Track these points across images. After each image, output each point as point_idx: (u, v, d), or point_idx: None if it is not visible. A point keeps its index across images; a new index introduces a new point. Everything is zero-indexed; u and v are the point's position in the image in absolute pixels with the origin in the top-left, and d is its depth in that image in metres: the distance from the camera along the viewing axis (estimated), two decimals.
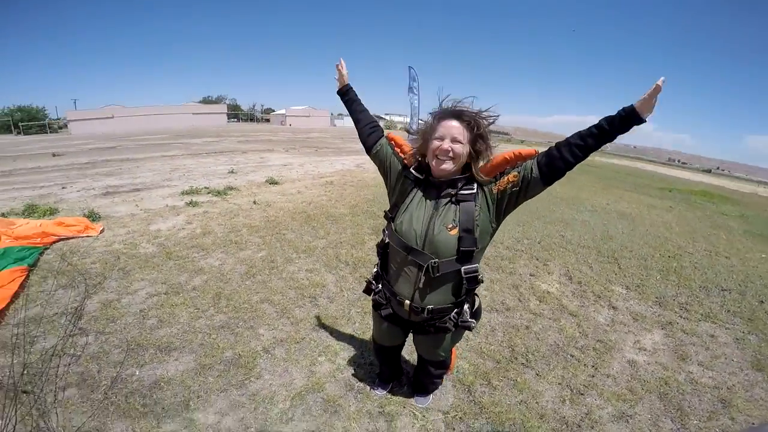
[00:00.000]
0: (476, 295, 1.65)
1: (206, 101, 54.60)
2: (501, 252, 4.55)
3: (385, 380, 2.17)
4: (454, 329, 1.61)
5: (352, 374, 2.26)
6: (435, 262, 1.42)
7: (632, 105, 1.24)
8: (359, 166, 11.09)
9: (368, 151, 1.68)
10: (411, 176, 1.54)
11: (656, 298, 3.74)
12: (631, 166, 31.02)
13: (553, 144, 1.39)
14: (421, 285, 1.49)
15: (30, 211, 4.96)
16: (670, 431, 2.11)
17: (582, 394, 2.31)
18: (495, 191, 1.42)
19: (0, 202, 5.68)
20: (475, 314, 1.64)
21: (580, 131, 1.34)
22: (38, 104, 36.90)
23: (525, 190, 1.39)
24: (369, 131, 1.69)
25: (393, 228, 1.52)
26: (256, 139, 19.81)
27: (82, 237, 4.13)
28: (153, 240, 4.14)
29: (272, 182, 7.69)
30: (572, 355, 2.66)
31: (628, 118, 1.25)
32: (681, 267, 4.81)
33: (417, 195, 1.51)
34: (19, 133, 29.99)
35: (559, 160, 1.33)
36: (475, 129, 1.39)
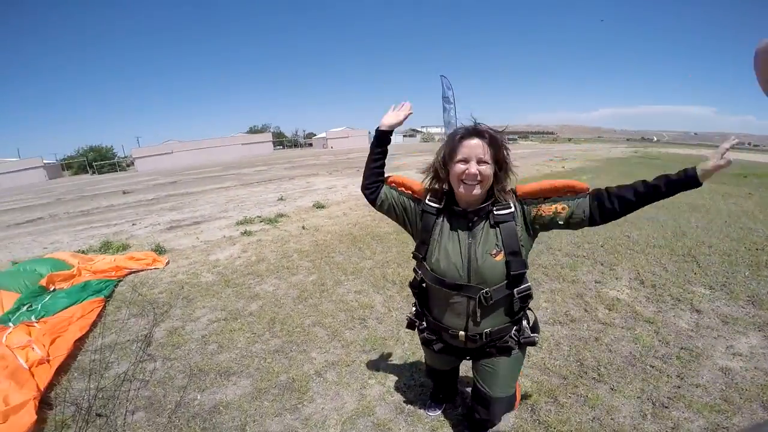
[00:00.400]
0: (530, 309, 1.56)
1: (253, 131, 57.94)
2: (560, 259, 4.26)
3: (439, 401, 2.07)
4: (517, 348, 1.51)
5: (402, 397, 2.18)
6: (488, 292, 1.35)
7: (695, 172, 1.19)
8: None
9: (373, 204, 1.57)
10: (429, 208, 1.43)
11: (748, 296, 3.30)
12: (696, 154, 28.29)
13: (603, 188, 1.33)
14: (473, 314, 1.41)
15: (106, 247, 5.49)
16: None
17: (666, 407, 2.04)
18: (534, 213, 1.36)
19: (81, 240, 6.37)
20: (534, 328, 1.55)
21: (635, 185, 1.28)
22: (107, 143, 41.48)
23: (568, 224, 1.35)
24: (372, 188, 1.55)
25: (428, 267, 1.42)
26: (301, 164, 20.64)
27: (151, 269, 4.47)
28: (213, 269, 4.36)
29: (319, 206, 7.90)
30: (652, 366, 2.38)
31: (688, 184, 1.21)
32: None
33: (444, 226, 1.41)
34: (94, 172, 33.83)
35: (611, 211, 1.30)
36: (498, 146, 1.31)
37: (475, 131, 1.30)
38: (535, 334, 1.52)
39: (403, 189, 1.54)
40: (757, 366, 2.39)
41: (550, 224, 1.36)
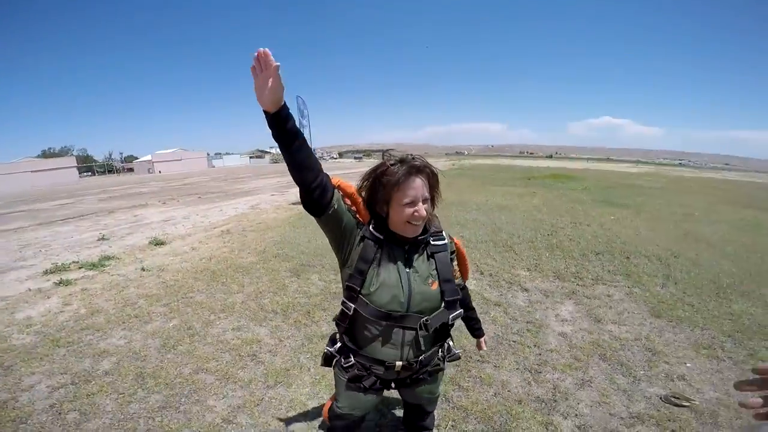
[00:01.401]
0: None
1: (48, 155, 46.27)
2: None
3: None
4: (444, 366, 1.58)
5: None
6: (427, 320, 1.35)
7: (479, 333, 1.83)
8: (254, 208, 10.61)
9: (321, 212, 1.23)
10: (372, 237, 1.32)
11: (553, 272, 4.40)
12: (495, 163, 35.72)
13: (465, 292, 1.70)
14: (411, 344, 1.39)
15: None
16: (628, 384, 2.47)
17: (540, 372, 2.59)
18: (453, 264, 1.49)
19: None
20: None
21: (469, 305, 1.76)
22: None
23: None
24: (320, 184, 1.20)
25: (366, 299, 1.32)
26: (123, 193, 17.49)
27: None
28: (26, 329, 3.38)
29: (157, 243, 6.77)
30: (514, 341, 2.98)
31: (474, 331, 1.83)
32: (560, 241, 5.73)
33: (383, 257, 1.33)
34: None
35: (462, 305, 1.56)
36: (436, 180, 1.33)
37: (417, 169, 1.27)
38: (459, 350, 1.64)
39: (349, 203, 1.35)
40: (581, 327, 3.22)
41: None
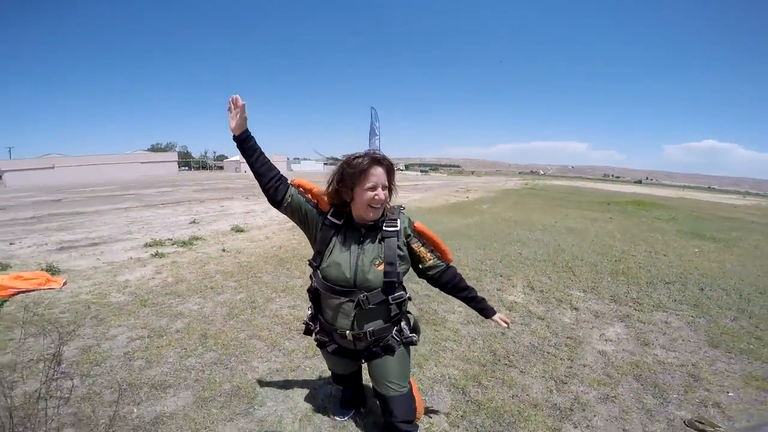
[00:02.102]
0: (410, 313, 1.77)
1: (155, 149, 53.01)
2: (467, 273, 4.87)
3: (348, 406, 2.18)
4: (401, 347, 1.69)
5: None
6: (365, 296, 1.52)
7: (489, 314, 1.78)
8: None
9: (278, 205, 1.60)
10: (330, 223, 1.57)
11: (610, 296, 4.17)
12: (573, 185, 33.59)
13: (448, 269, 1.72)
14: (357, 316, 1.56)
15: None
16: (655, 405, 2.37)
17: (565, 383, 2.56)
18: (413, 247, 1.63)
19: None
20: (414, 329, 1.75)
21: (467, 288, 1.75)
22: None
23: (423, 270, 1.70)
24: (276, 185, 1.57)
25: (320, 275, 1.57)
26: (213, 187, 19.54)
27: (44, 289, 3.97)
28: (123, 290, 4.04)
29: (238, 230, 7.64)
30: (548, 352, 2.94)
31: (483, 313, 1.79)
32: (627, 268, 5.37)
33: (339, 240, 1.56)
34: None
35: (444, 288, 1.73)
36: (393, 171, 1.55)
37: (378, 160, 1.49)
38: (414, 335, 1.71)
39: (309, 197, 1.62)
40: (624, 348, 3.08)
41: (416, 263, 1.67)
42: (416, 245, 1.64)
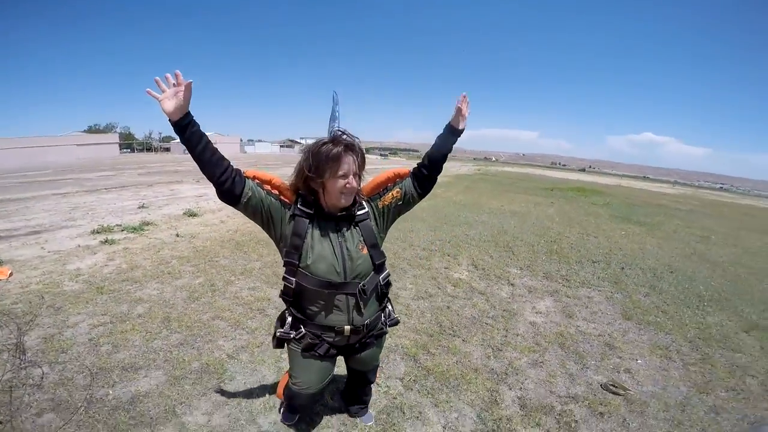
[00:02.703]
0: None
1: (93, 130, 49.06)
2: (419, 253, 5.28)
3: (294, 413, 2.08)
4: (387, 330, 1.74)
5: None
6: (364, 285, 1.50)
7: (449, 121, 1.58)
8: None
9: (235, 202, 1.40)
10: (302, 214, 1.47)
11: (543, 273, 4.71)
12: (522, 172, 35.43)
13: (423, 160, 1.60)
14: (354, 308, 1.52)
15: None
16: (577, 370, 2.78)
17: (500, 350, 2.96)
18: (381, 206, 1.56)
19: None
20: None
21: (429, 151, 1.60)
22: None
23: (407, 203, 1.59)
24: (231, 178, 1.36)
25: (306, 271, 1.46)
26: (160, 170, 18.63)
27: None
28: (76, 278, 3.98)
29: (191, 214, 7.53)
30: (486, 323, 3.36)
31: (450, 132, 1.59)
32: (560, 248, 6.00)
33: (316, 231, 1.47)
34: None
35: (427, 178, 1.58)
36: (364, 158, 1.47)
37: (350, 147, 1.42)
38: (396, 315, 1.77)
39: (269, 188, 1.48)
40: (552, 320, 3.55)
41: (395, 209, 1.58)
42: (381, 202, 1.57)
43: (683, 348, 3.20)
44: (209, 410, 2.15)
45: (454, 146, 1.62)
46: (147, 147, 49.73)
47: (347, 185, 1.41)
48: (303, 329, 1.57)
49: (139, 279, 3.98)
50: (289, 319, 1.60)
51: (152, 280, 3.96)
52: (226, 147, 43.61)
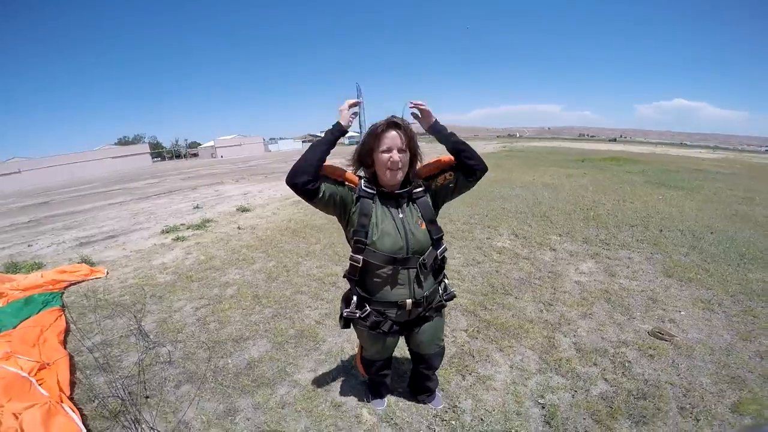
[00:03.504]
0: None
1: (123, 143, 51.49)
2: (460, 227, 5.68)
3: (381, 395, 2.20)
4: (446, 303, 1.81)
5: None
6: (424, 259, 1.58)
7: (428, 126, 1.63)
8: None
9: (313, 196, 1.50)
10: (367, 193, 1.56)
11: (583, 238, 4.97)
12: (550, 145, 34.75)
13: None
14: (415, 281, 1.61)
15: (13, 268, 5.04)
16: (624, 320, 3.04)
17: (551, 305, 3.29)
18: (434, 187, 1.65)
19: None
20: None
21: (453, 146, 1.62)
22: None
23: (458, 186, 1.65)
24: (314, 174, 1.49)
25: (372, 248, 1.54)
26: (197, 174, 19.63)
27: (91, 279, 4.42)
28: (164, 271, 4.57)
29: (244, 209, 8.16)
30: (535, 283, 3.69)
31: (432, 134, 1.63)
32: (597, 215, 6.21)
33: (379, 209, 1.56)
34: None
35: (461, 166, 1.62)
36: (410, 136, 1.54)
37: (393, 124, 1.50)
38: (453, 290, 1.84)
39: (336, 178, 1.57)
40: (595, 279, 3.82)
41: (447, 191, 1.65)
42: (435, 183, 1.65)
43: (725, 301, 3.35)
44: (313, 367, 2.55)
45: (453, 140, 1.62)
46: (176, 154, 51.78)
47: (391, 159, 1.49)
48: (368, 307, 1.65)
49: (220, 267, 4.53)
50: (355, 298, 1.67)
51: (231, 267, 4.50)
52: (250, 148, 44.70)
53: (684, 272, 3.96)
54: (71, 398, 2.30)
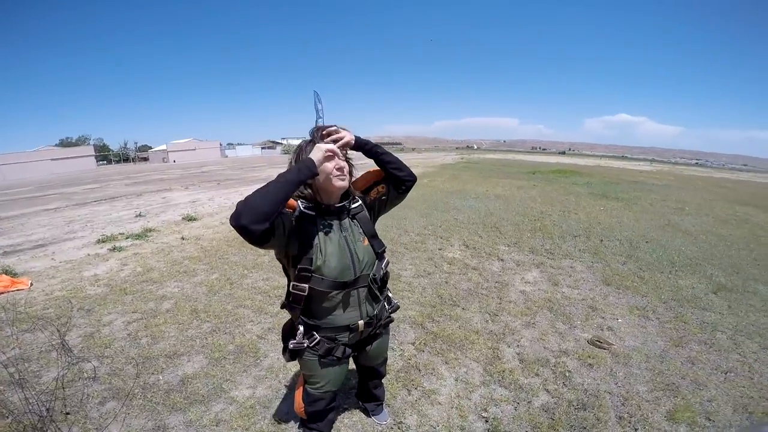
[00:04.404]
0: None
1: (66, 144, 47.98)
2: (414, 237, 5.72)
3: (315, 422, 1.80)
4: (392, 317, 1.78)
5: None
6: (374, 275, 1.53)
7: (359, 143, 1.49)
8: None
9: (266, 238, 1.22)
10: (307, 215, 1.41)
11: (529, 248, 5.14)
12: (504, 158, 36.27)
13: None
14: (365, 301, 1.54)
15: None
16: (565, 329, 3.15)
17: (497, 315, 3.35)
18: (368, 200, 1.58)
19: None
20: None
21: (381, 160, 1.55)
22: None
23: (391, 199, 1.60)
24: (271, 225, 1.21)
25: (318, 275, 1.39)
26: (146, 179, 18.56)
27: (12, 291, 4.03)
28: (96, 283, 4.22)
29: (190, 218, 7.74)
30: (482, 293, 3.75)
31: (357, 150, 1.50)
32: (544, 225, 6.47)
33: (321, 230, 1.42)
34: None
35: (390, 177, 1.56)
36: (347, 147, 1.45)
37: (329, 134, 1.41)
38: (396, 301, 1.77)
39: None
40: (540, 288, 3.95)
41: (381, 204, 1.60)
42: (369, 197, 1.60)
43: (658, 308, 3.58)
44: (252, 384, 2.45)
45: (379, 153, 1.54)
46: (124, 158, 48.81)
47: (337, 165, 1.39)
48: (317, 335, 1.52)
49: (158, 279, 4.25)
50: (301, 328, 1.52)
51: (170, 279, 4.23)
52: (206, 153, 43.06)
53: (621, 280, 4.19)
54: None
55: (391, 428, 2.08)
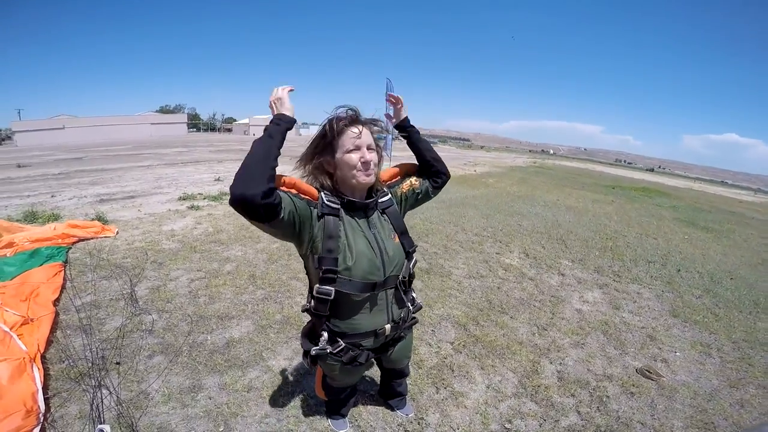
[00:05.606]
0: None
1: (164, 111, 53.24)
2: (471, 237, 5.55)
3: (342, 415, 1.99)
4: (417, 318, 1.69)
5: None
6: (404, 277, 1.43)
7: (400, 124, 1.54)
8: None
9: (273, 215, 1.11)
10: (331, 209, 1.27)
11: (595, 268, 4.77)
12: (582, 167, 33.85)
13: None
14: (393, 303, 1.45)
15: (31, 217, 5.18)
16: (615, 354, 2.92)
17: (546, 329, 3.16)
18: (399, 193, 1.49)
19: None
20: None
21: (418, 155, 1.55)
22: None
23: (425, 194, 1.54)
24: (271, 185, 1.09)
25: (347, 276, 1.28)
26: (227, 148, 20.04)
27: (100, 238, 4.49)
28: (171, 238, 4.63)
29: None
30: (534, 305, 3.56)
31: (401, 130, 1.54)
32: (616, 246, 5.95)
33: (347, 226, 1.30)
34: None
35: (426, 172, 1.54)
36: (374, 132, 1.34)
37: (358, 119, 1.29)
38: (419, 301, 1.66)
39: (296, 191, 1.23)
40: (598, 309, 3.66)
41: (411, 197, 1.51)
42: (399, 189, 1.51)
43: (725, 347, 3.18)
44: (290, 356, 2.52)
45: (423, 142, 1.54)
46: (211, 127, 53.26)
47: (363, 159, 1.26)
48: (341, 342, 1.41)
49: (225, 241, 4.58)
50: (325, 335, 1.40)
51: (236, 243, 4.53)
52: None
53: (691, 314, 3.77)
54: (44, 356, 2.30)
55: (411, 422, 2.06)
